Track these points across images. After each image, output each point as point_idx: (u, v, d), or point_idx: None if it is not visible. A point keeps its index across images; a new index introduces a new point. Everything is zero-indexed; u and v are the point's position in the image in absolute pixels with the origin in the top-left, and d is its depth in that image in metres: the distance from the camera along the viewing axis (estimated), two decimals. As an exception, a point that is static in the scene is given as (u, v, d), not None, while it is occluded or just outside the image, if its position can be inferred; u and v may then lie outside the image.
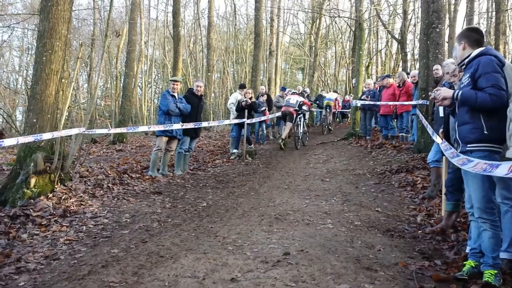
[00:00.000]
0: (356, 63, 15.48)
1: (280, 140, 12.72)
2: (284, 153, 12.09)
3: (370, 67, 26.49)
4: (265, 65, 25.60)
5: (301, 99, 13.26)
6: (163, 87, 31.50)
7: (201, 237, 4.48)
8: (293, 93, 13.93)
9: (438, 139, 5.12)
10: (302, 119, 13.22)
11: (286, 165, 9.89)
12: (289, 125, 12.66)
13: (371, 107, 12.48)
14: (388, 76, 12.56)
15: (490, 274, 3.15)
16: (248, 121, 11.00)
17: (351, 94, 20.36)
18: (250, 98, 11.27)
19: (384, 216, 5.34)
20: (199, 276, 3.30)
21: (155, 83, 35.81)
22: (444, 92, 3.45)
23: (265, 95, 14.59)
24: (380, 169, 8.31)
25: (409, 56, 23.83)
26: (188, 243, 4.26)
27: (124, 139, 15.77)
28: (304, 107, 13.42)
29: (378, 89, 12.45)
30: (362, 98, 12.90)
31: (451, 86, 4.94)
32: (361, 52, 15.08)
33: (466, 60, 3.40)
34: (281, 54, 29.73)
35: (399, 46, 21.95)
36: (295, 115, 12.64)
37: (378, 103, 11.66)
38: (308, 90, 17.15)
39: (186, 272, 3.40)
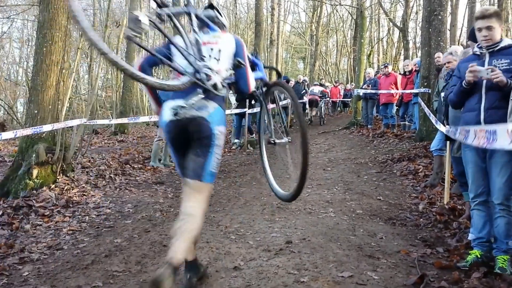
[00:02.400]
0: (358, 51, 15.40)
1: (308, 120, 16.19)
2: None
3: (371, 55, 26.35)
4: (266, 54, 25.44)
5: (321, 88, 17.83)
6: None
7: (203, 227, 4.48)
8: (316, 85, 18.57)
9: (442, 128, 5.09)
10: (323, 104, 17.32)
11: (287, 155, 9.88)
12: (315, 109, 16.98)
13: (372, 96, 12.44)
14: (386, 65, 12.48)
15: (503, 260, 3.16)
16: (250, 110, 10.97)
17: (352, 83, 20.29)
18: None
19: (386, 204, 5.34)
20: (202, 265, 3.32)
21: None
22: (501, 75, 3.27)
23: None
24: (381, 157, 8.31)
25: (410, 44, 23.63)
26: (190, 233, 4.27)
27: (126, 130, 15.77)
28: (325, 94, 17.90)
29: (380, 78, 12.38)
30: (363, 87, 12.87)
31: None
32: (362, 41, 15.02)
33: (501, 46, 3.33)
34: (282, 43, 29.57)
35: (400, 34, 21.76)
36: (319, 101, 16.78)
37: (379, 91, 11.61)
38: (307, 79, 17.79)
39: (189, 261, 3.41)
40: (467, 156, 3.50)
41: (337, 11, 30.91)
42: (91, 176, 6.79)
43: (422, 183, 6.27)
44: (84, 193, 5.97)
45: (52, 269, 3.51)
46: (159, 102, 2.96)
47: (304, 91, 17.04)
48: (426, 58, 8.69)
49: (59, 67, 6.35)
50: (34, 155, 5.98)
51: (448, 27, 13.27)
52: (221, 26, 2.99)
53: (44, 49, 6.23)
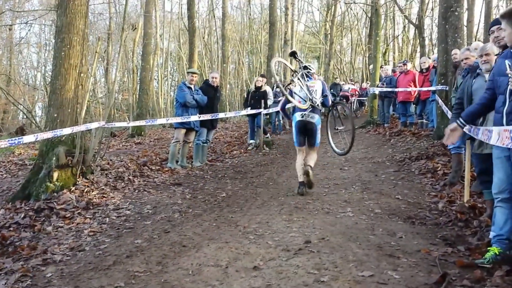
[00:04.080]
0: (373, 50, 15.28)
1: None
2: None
3: (387, 53, 26.11)
4: (280, 54, 25.43)
5: (353, 87, 21.33)
6: (179, 79, 31.64)
7: (222, 227, 4.52)
8: (349, 83, 21.99)
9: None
10: (354, 100, 20.43)
11: (304, 154, 9.86)
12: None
13: (388, 94, 12.34)
14: (405, 62, 12.33)
15: None
16: (265, 111, 10.98)
17: (368, 82, 20.17)
18: (260, 87, 11.25)
19: (405, 203, 5.30)
20: (222, 265, 3.34)
21: (171, 76, 36.00)
22: None
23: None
24: (399, 156, 8.23)
25: (426, 41, 23.32)
26: (209, 233, 4.30)
27: (142, 132, 15.90)
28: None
29: (398, 75, 12.24)
30: (378, 85, 12.77)
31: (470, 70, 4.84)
32: (377, 39, 14.89)
33: None
34: (296, 43, 29.55)
35: (416, 31, 21.50)
36: (350, 97, 19.25)
37: (396, 89, 11.49)
38: (322, 78, 17.97)
39: (209, 261, 3.44)
40: (496, 152, 3.43)
41: (351, 9, 30.72)
42: (110, 178, 6.87)
43: (441, 181, 6.20)
44: (103, 195, 6.05)
45: (74, 270, 3.57)
46: (288, 116, 7.60)
47: None
48: (443, 55, 8.58)
49: (77, 71, 6.45)
50: (54, 158, 6.09)
51: (465, 23, 13.07)
52: (312, 74, 6.34)
53: (63, 53, 6.34)
